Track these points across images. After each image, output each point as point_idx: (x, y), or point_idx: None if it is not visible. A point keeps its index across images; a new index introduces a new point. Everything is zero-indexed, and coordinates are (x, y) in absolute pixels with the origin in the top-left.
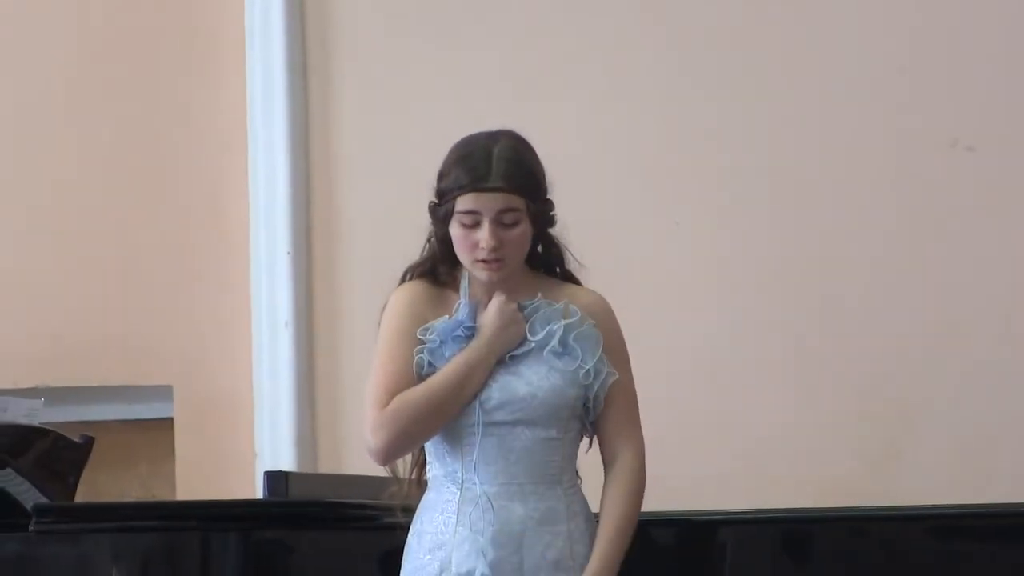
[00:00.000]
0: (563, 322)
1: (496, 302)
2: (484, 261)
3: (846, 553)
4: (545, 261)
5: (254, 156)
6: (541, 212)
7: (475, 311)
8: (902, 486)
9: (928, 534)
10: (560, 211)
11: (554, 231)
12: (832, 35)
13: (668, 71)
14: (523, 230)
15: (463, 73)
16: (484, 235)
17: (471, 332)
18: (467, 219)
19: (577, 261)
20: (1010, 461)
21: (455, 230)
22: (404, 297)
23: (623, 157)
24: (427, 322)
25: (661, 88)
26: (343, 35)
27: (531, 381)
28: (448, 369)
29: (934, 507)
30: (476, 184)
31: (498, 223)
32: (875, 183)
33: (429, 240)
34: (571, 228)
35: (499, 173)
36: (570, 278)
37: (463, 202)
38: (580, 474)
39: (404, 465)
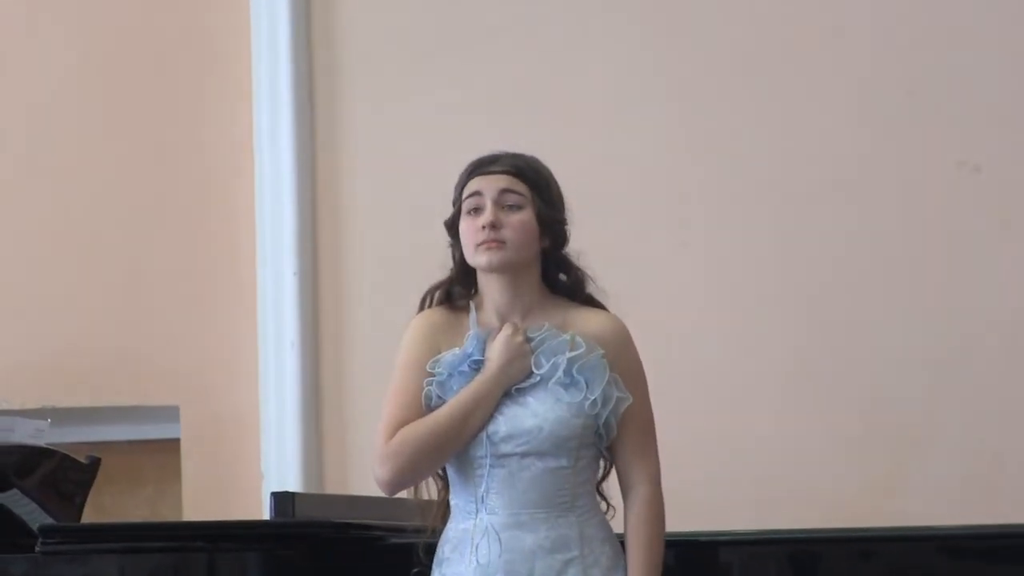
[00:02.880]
0: (567, 355)
1: (503, 334)
2: (484, 243)
3: (851, 574)
4: (565, 285)
5: (261, 177)
6: (548, 214)
7: (483, 343)
8: (907, 507)
9: (933, 555)
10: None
11: (574, 258)
12: (841, 57)
13: (674, 90)
14: (526, 217)
15: (469, 94)
16: (485, 214)
17: (478, 365)
18: (471, 203)
19: (595, 283)
20: (1016, 482)
21: (463, 225)
22: (419, 327)
23: (629, 178)
24: (440, 351)
25: (666, 106)
26: (349, 58)
27: (537, 413)
28: (453, 403)
29: (939, 528)
30: (480, 169)
31: (500, 205)
32: (883, 203)
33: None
34: (576, 244)
35: (506, 160)
36: (592, 302)
37: (468, 188)
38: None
39: (432, 488)
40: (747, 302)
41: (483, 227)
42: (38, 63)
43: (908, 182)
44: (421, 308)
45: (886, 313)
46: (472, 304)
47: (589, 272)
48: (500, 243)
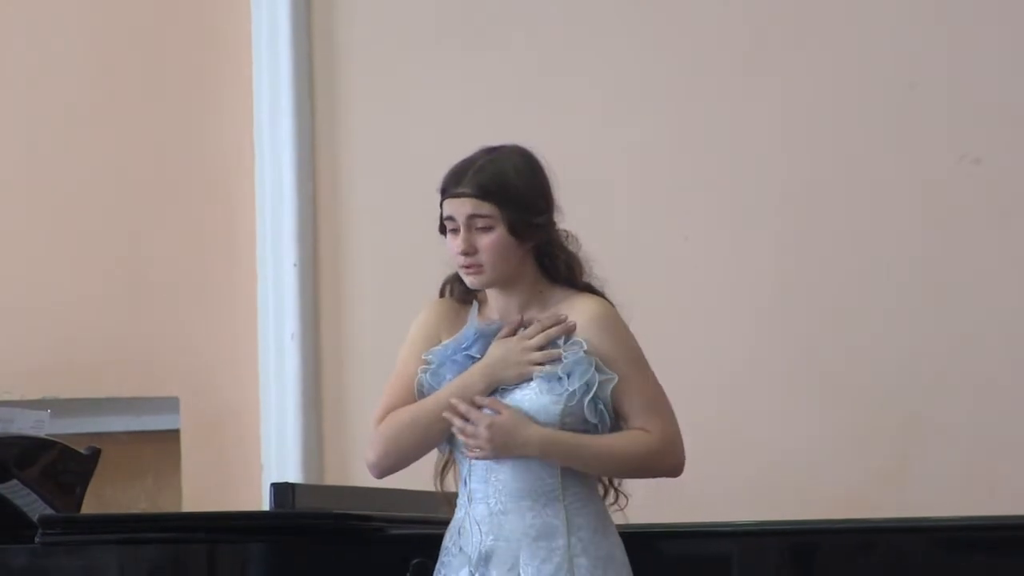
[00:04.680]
0: (561, 362)
1: (511, 340)
2: (462, 267)
3: (855, 565)
4: (552, 273)
5: (261, 169)
6: (521, 221)
7: (487, 340)
8: (911, 498)
9: (937, 546)
10: (569, 225)
11: (570, 244)
12: (842, 51)
13: (675, 82)
14: (496, 238)
15: (470, 86)
16: (458, 240)
17: (471, 358)
18: (449, 225)
19: (581, 267)
20: (1019, 474)
21: (447, 241)
22: (423, 317)
23: (631, 171)
24: (441, 341)
25: (669, 102)
26: (349, 50)
27: (518, 400)
28: (441, 392)
29: (943, 519)
30: (450, 190)
31: (470, 228)
32: (884, 196)
33: None
34: (580, 242)
35: (470, 180)
36: (589, 288)
37: (443, 209)
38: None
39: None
40: (749, 295)
41: (458, 253)
42: (38, 60)
43: (910, 174)
44: (441, 295)
45: (887, 305)
46: (476, 301)
47: (590, 260)
48: (477, 267)
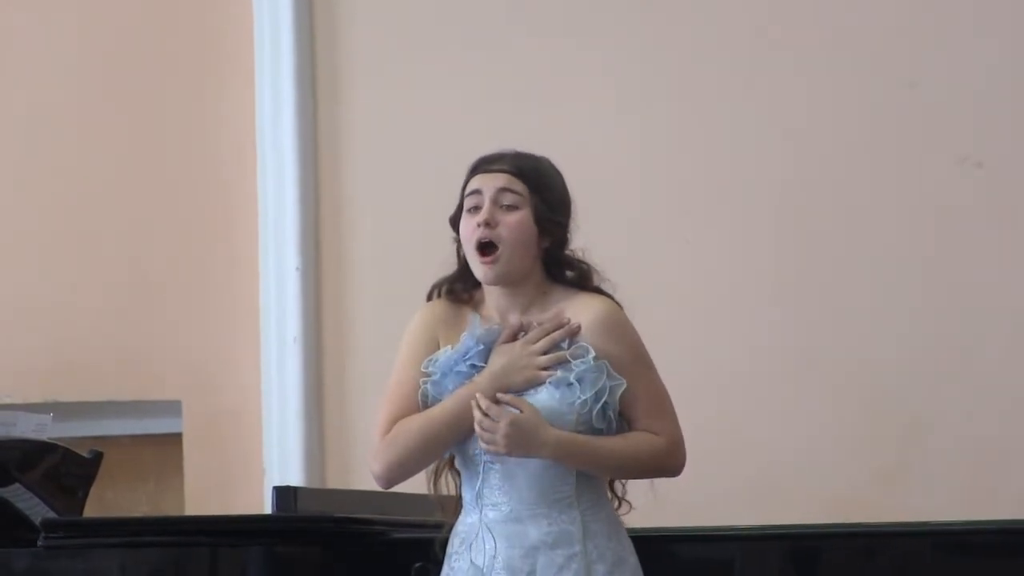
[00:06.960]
0: (572, 368)
1: (515, 345)
2: (480, 251)
3: (855, 569)
4: (568, 279)
5: (263, 171)
6: (546, 214)
7: (477, 345)
8: (911, 502)
9: (937, 550)
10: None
11: (579, 254)
12: (843, 51)
13: (677, 87)
14: (521, 218)
15: (474, 88)
16: (481, 212)
17: (475, 367)
18: (471, 201)
19: (600, 275)
20: (1019, 477)
21: (463, 222)
22: (420, 321)
23: (633, 174)
24: (439, 345)
25: (670, 104)
26: (352, 52)
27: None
28: (448, 402)
29: (943, 523)
30: (482, 166)
31: (497, 204)
32: (885, 199)
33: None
34: (578, 239)
35: (508, 160)
36: (598, 291)
37: (469, 185)
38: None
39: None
40: (749, 297)
41: (478, 225)
42: (39, 59)
43: (911, 177)
44: (428, 299)
45: (888, 308)
46: (475, 312)
47: (599, 270)
48: (495, 254)
